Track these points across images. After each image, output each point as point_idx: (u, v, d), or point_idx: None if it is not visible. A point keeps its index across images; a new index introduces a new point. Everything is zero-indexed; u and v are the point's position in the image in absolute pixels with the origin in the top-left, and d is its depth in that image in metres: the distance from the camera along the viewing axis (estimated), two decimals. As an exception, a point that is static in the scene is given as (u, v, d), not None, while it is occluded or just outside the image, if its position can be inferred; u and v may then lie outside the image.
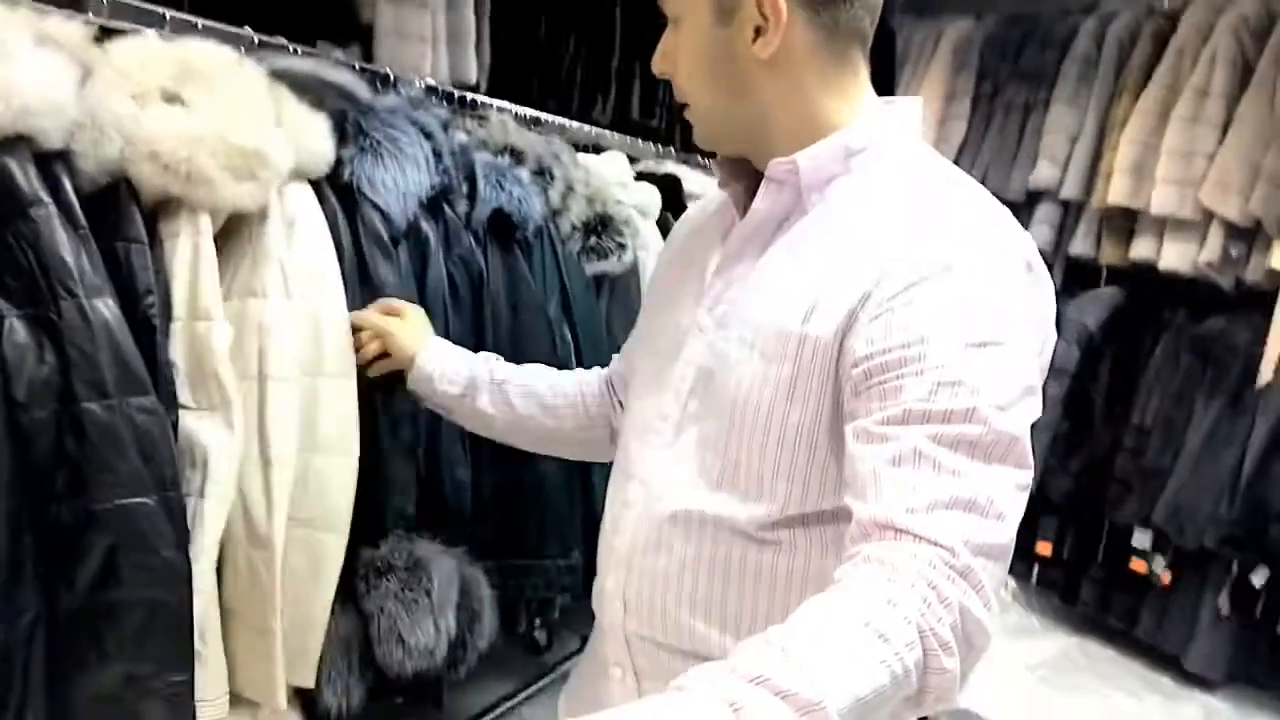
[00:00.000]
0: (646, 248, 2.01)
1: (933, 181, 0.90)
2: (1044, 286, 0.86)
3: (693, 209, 1.15)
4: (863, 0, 0.90)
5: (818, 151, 0.89)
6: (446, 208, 1.48)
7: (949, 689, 0.69)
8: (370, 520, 1.37)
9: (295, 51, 1.53)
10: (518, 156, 1.64)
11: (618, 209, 1.89)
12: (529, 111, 2.15)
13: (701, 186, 2.42)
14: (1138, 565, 3.26)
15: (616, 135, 2.48)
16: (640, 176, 2.28)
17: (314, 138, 1.24)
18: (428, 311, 1.43)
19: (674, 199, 2.28)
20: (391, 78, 1.62)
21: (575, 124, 2.29)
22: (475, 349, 1.44)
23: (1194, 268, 3.17)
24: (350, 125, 1.33)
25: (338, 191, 1.31)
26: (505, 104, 2.05)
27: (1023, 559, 3.58)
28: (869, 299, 0.82)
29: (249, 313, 1.17)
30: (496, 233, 1.55)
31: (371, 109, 1.36)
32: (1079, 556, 3.47)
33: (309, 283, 1.23)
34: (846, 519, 0.79)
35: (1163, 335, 3.29)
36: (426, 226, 1.42)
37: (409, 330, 1.32)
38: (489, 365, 1.30)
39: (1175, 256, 3.22)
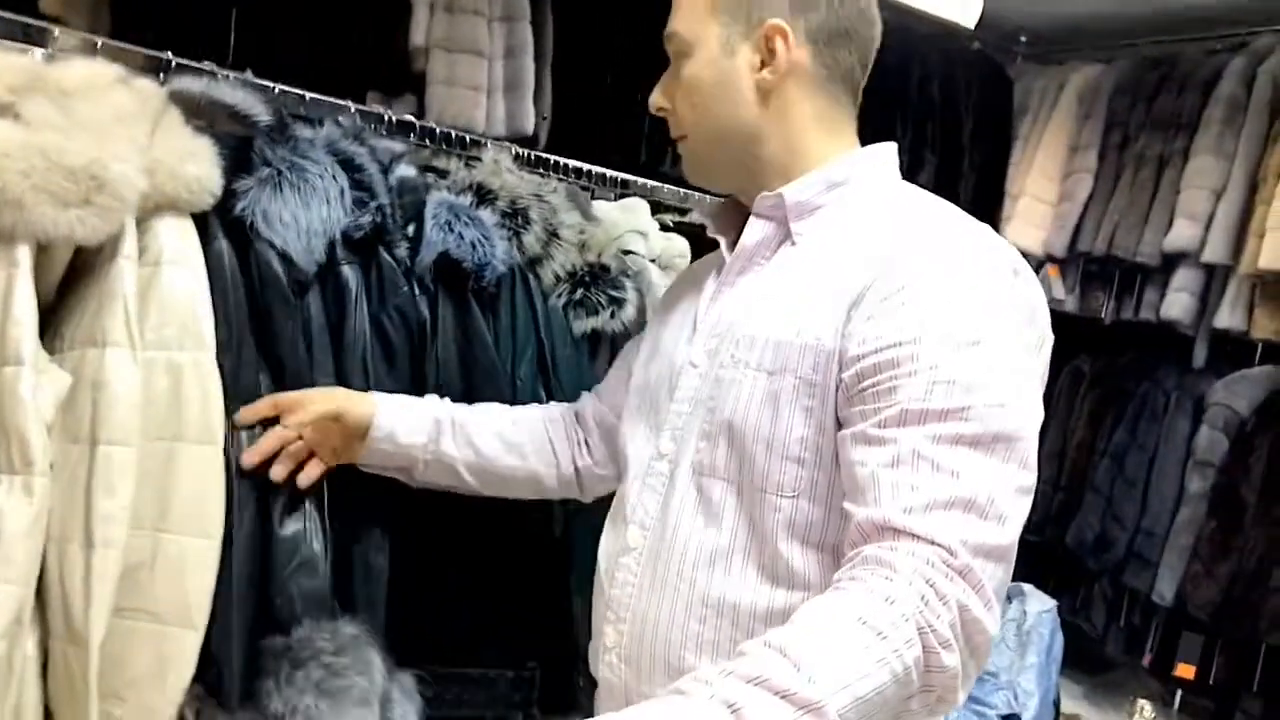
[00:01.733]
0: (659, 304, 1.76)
1: (914, 202, 0.95)
2: (1033, 288, 0.87)
3: (696, 265, 1.20)
4: (859, 50, 0.97)
5: (801, 184, 0.95)
6: (382, 252, 1.28)
7: (951, 687, 0.70)
8: (274, 605, 1.17)
9: (348, 108, 1.44)
10: (485, 196, 1.43)
11: (622, 260, 1.66)
12: (591, 167, 1.98)
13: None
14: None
15: (669, 187, 2.27)
16: (679, 228, 2.05)
17: (192, 163, 1.07)
18: (346, 370, 1.24)
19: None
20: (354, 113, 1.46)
21: (636, 179, 2.10)
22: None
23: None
24: (255, 154, 1.16)
25: (229, 228, 1.14)
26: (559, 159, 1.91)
27: (1162, 683, 3.06)
28: (861, 302, 0.85)
29: (86, 364, 0.99)
30: (447, 282, 1.34)
31: (283, 137, 1.19)
32: (1231, 683, 2.91)
33: (174, 332, 1.05)
34: None
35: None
36: (348, 272, 1.23)
37: (348, 399, 1.20)
38: (445, 406, 1.26)
39: (1344, 327, 2.71)
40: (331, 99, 1.50)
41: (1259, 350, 3.03)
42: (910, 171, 3.79)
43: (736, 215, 1.04)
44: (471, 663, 1.34)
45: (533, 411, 1.30)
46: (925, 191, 0.96)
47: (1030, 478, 0.78)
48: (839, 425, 0.85)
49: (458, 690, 1.32)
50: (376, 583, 1.23)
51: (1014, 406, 0.78)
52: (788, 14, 0.93)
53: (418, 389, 1.30)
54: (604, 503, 1.45)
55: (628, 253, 1.75)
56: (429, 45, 2.55)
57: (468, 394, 1.34)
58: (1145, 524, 3.05)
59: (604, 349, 1.64)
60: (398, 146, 1.36)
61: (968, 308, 0.81)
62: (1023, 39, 3.76)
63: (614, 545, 1.01)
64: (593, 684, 1.06)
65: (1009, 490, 0.75)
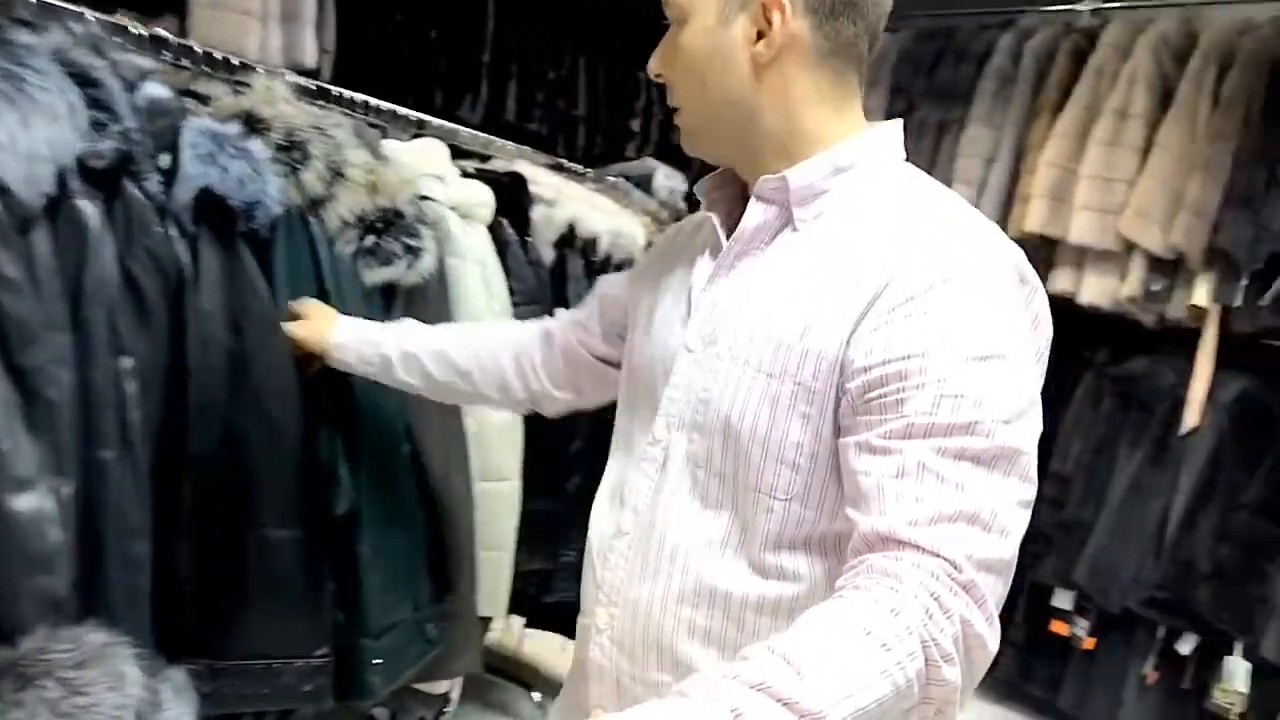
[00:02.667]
0: (463, 255, 1.64)
1: (923, 197, 0.91)
2: (1038, 296, 0.87)
3: (670, 229, 1.17)
4: (865, 22, 0.91)
5: (807, 169, 0.91)
6: (129, 184, 1.09)
7: (950, 700, 0.70)
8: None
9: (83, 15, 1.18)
10: (256, 126, 1.26)
11: (418, 206, 1.52)
12: (384, 104, 1.81)
13: (557, 191, 2.06)
14: (1059, 628, 2.98)
15: (470, 132, 2.12)
16: (480, 176, 1.92)
17: None
18: (88, 323, 1.05)
19: (517, 201, 1.93)
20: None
21: (434, 119, 1.94)
22: (172, 374, 1.08)
23: (1115, 303, 2.90)
24: (-44, 59, 0.94)
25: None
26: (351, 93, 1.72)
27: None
28: (869, 312, 0.82)
29: None
30: (211, 222, 1.17)
31: (-6, 40, 0.97)
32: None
33: None
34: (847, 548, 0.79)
35: (1084, 376, 3.02)
36: (86, 207, 1.04)
37: (312, 327, 1.30)
38: (399, 339, 1.31)
39: (1096, 291, 2.95)
40: (65, 4, 1.26)
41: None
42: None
43: (732, 188, 1.01)
44: (253, 653, 1.18)
45: (494, 335, 1.32)
46: (931, 179, 0.93)
47: (1031, 491, 0.78)
48: (838, 432, 0.84)
49: (238, 684, 1.17)
50: (137, 572, 1.05)
51: (1018, 422, 0.78)
52: None
53: (175, 345, 1.12)
54: (392, 485, 1.36)
55: (424, 199, 1.62)
56: (193, -40, 2.28)
57: (236, 350, 1.18)
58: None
59: (399, 303, 1.50)
60: (146, 63, 1.16)
61: (977, 321, 0.80)
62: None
63: (608, 526, 1.00)
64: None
65: (1011, 504, 0.76)
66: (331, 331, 1.30)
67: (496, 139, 2.22)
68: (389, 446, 1.43)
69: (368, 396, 1.38)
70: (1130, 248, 2.87)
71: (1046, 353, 0.88)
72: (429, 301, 1.53)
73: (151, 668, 1.06)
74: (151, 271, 1.10)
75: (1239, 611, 2.65)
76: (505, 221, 1.83)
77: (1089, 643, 2.90)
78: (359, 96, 1.87)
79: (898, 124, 0.96)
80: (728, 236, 0.96)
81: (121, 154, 1.06)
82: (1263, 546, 2.66)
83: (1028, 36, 3.28)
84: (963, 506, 0.73)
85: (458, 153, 2.03)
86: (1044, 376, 0.86)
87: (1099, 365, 3.01)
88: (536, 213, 1.94)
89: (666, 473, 0.94)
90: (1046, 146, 3.04)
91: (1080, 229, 2.91)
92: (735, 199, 1.00)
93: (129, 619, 1.03)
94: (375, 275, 1.38)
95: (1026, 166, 3.13)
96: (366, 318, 1.38)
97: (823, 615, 0.69)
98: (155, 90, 1.14)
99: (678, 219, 2.61)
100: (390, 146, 1.65)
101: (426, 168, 1.63)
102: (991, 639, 0.72)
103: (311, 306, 1.33)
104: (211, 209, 1.16)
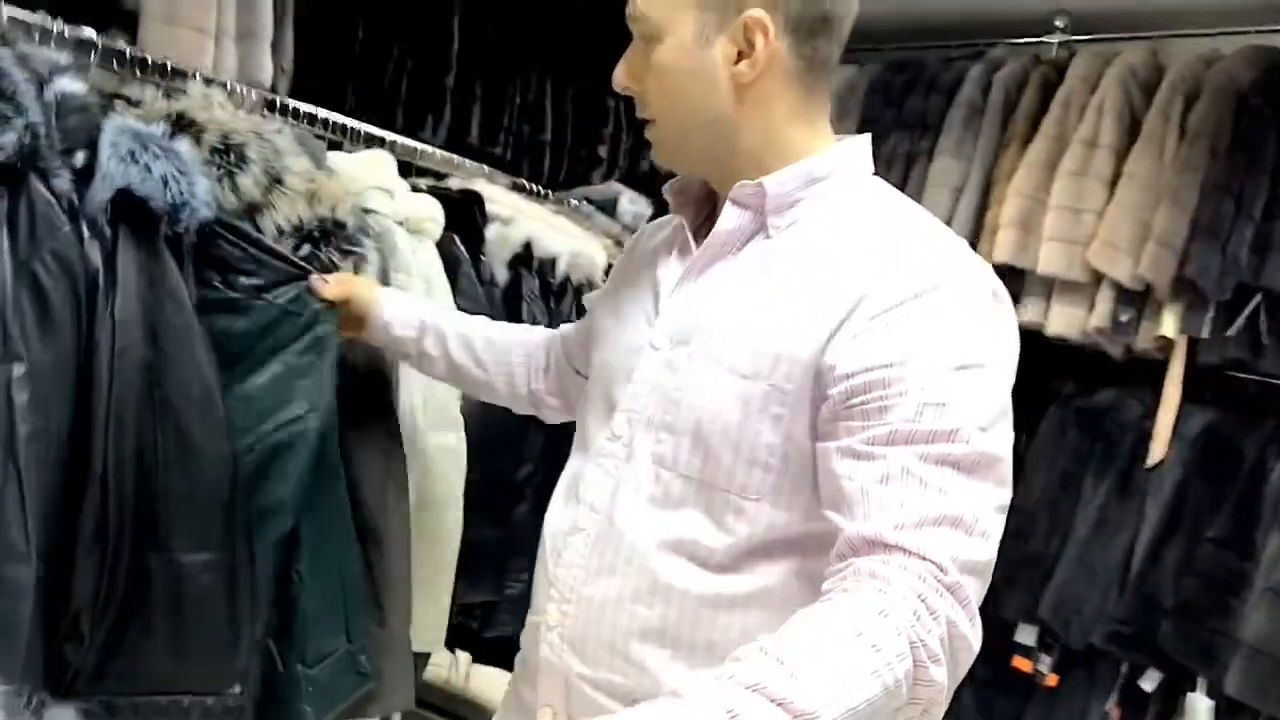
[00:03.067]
0: (408, 270, 1.58)
1: (898, 210, 0.94)
2: (1009, 312, 0.90)
3: (642, 233, 1.17)
4: (837, 36, 0.94)
5: (783, 176, 0.93)
6: (35, 182, 1.02)
7: (937, 700, 0.72)
8: None
9: None
10: (186, 127, 1.19)
11: (361, 217, 1.46)
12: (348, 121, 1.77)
13: (514, 209, 2.01)
14: (1021, 664, 2.92)
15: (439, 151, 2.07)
16: (433, 193, 1.86)
17: None
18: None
19: (470, 218, 1.87)
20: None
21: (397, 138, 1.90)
22: (79, 384, 1.02)
23: (1083, 334, 2.88)
24: None
25: None
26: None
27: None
28: (848, 320, 0.84)
29: None
30: (132, 225, 1.10)
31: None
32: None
33: None
34: (815, 545, 0.83)
35: (1050, 408, 2.99)
36: (-16, 204, 0.97)
37: (358, 288, 1.36)
38: (434, 312, 1.42)
39: (1063, 322, 2.93)
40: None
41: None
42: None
43: (698, 191, 1.03)
44: (158, 688, 1.10)
45: (511, 333, 1.41)
46: (899, 193, 0.97)
47: (1007, 495, 0.81)
48: (812, 434, 0.86)
49: (141, 722, 1.08)
50: (16, 599, 0.97)
51: (995, 429, 0.81)
52: (768, 4, 0.89)
53: (83, 353, 1.05)
54: (330, 508, 1.29)
55: (369, 211, 1.56)
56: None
57: (155, 363, 1.11)
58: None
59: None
60: (62, 58, 1.09)
61: (957, 331, 0.82)
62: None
63: (563, 523, 1.00)
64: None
65: (990, 508, 0.78)
66: (376, 296, 1.35)
67: (459, 158, 2.17)
68: (326, 470, 1.36)
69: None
70: (1098, 278, 2.85)
71: (1015, 367, 0.90)
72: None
73: (35, 704, 0.98)
74: (57, 274, 1.03)
75: (1203, 647, 2.61)
76: (456, 238, 1.77)
77: (1052, 679, 2.85)
78: (320, 112, 1.83)
79: (866, 138, 0.99)
80: (695, 240, 0.98)
81: (25, 149, 1.00)
82: (1226, 580, 2.62)
83: (996, 68, 3.28)
84: (946, 511, 0.75)
85: (419, 171, 1.99)
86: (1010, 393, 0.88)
87: (1065, 396, 2.98)
88: (491, 231, 1.89)
89: (628, 471, 0.94)
90: (1015, 177, 3.03)
91: (1048, 259, 2.89)
92: (701, 202, 1.02)
93: (6, 650, 0.95)
94: (313, 288, 1.31)
95: (995, 197, 3.11)
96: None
97: (813, 617, 0.71)
98: (69, 85, 1.07)
99: (641, 241, 2.55)
100: (336, 158, 1.59)
101: (372, 180, 1.58)
102: (975, 639, 0.74)
103: (345, 275, 1.36)
104: (131, 211, 1.09)
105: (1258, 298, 2.68)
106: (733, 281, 0.93)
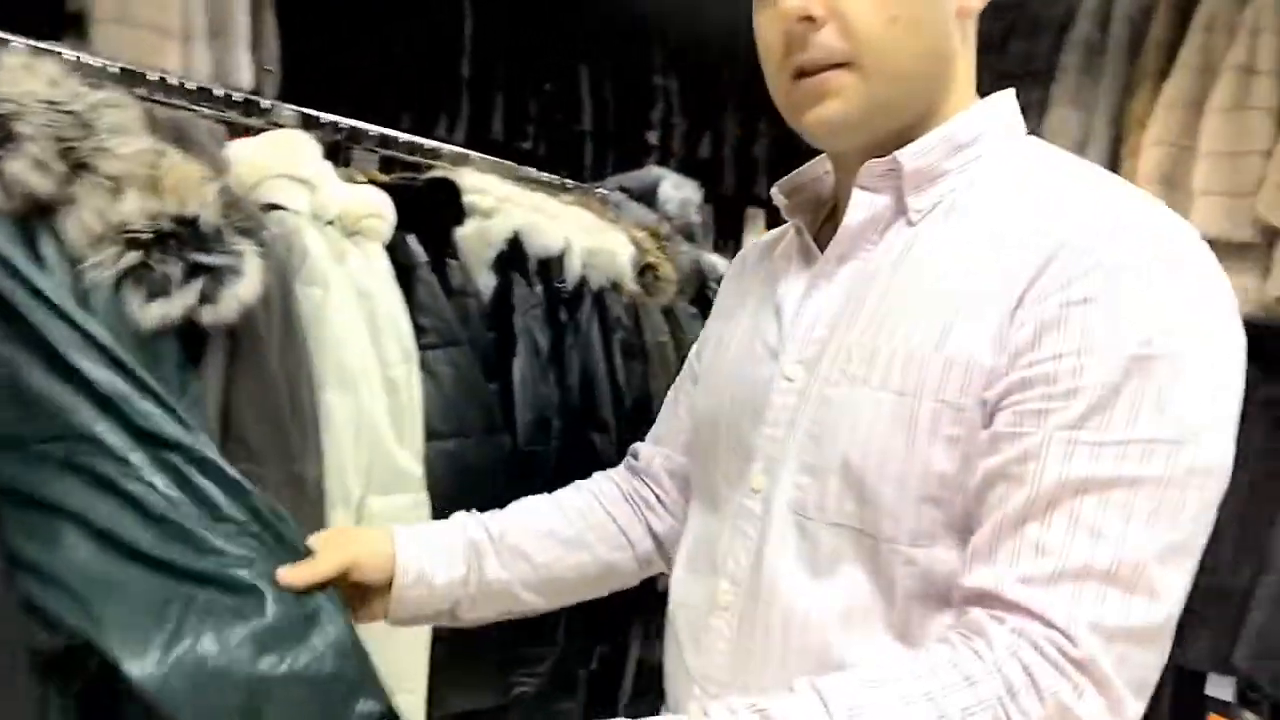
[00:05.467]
0: (326, 284, 1.20)
1: (1071, 170, 0.77)
2: (1227, 290, 0.72)
3: (750, 251, 1.02)
4: None
5: (923, 146, 0.78)
6: None
7: None
8: None
9: None
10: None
11: (251, 214, 1.08)
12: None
13: (499, 200, 1.61)
14: (1219, 724, 2.35)
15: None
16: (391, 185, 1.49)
17: None
18: None
19: (438, 214, 1.49)
20: None
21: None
22: None
23: (1260, 307, 2.35)
24: None
25: None
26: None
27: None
28: (1020, 305, 0.69)
29: None
30: None
31: None
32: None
33: None
34: None
35: (1225, 402, 2.42)
36: None
37: (357, 540, 0.94)
38: (475, 520, 1.00)
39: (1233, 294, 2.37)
40: None
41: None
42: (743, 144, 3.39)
43: (811, 193, 0.89)
44: None
45: (579, 491, 1.07)
46: (1072, 155, 0.80)
47: (1203, 532, 0.67)
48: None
49: None
50: None
51: (1196, 445, 0.66)
52: None
53: None
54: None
55: (273, 207, 1.18)
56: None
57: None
58: None
59: (212, 358, 1.06)
60: None
61: (1156, 317, 0.66)
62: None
63: (698, 600, 0.86)
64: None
65: (1170, 551, 0.64)
66: (383, 539, 0.94)
67: (474, 153, 1.81)
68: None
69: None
70: (1273, 235, 2.33)
71: (1242, 359, 0.72)
72: (265, 353, 1.08)
73: None
74: None
75: None
76: (412, 239, 1.39)
77: (1263, 741, 2.28)
78: (310, 113, 1.58)
79: (1010, 94, 0.83)
80: (819, 245, 0.85)
81: None
82: None
83: (1116, -4, 2.76)
84: (1094, 560, 0.63)
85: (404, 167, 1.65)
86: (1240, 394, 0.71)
87: (1247, 388, 2.39)
88: (466, 227, 1.49)
89: (768, 532, 0.79)
90: (1151, 122, 2.56)
91: (1205, 218, 2.38)
92: (817, 205, 0.89)
93: None
94: (147, 313, 0.94)
95: (1128, 150, 2.64)
96: (154, 378, 0.93)
97: (891, 664, 0.67)
98: None
99: (688, 233, 2.12)
100: (236, 145, 1.23)
101: (280, 167, 1.21)
102: (1109, 716, 0.62)
103: (332, 533, 0.97)
104: None
105: None
106: (873, 283, 0.78)
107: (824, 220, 0.89)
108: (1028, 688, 0.61)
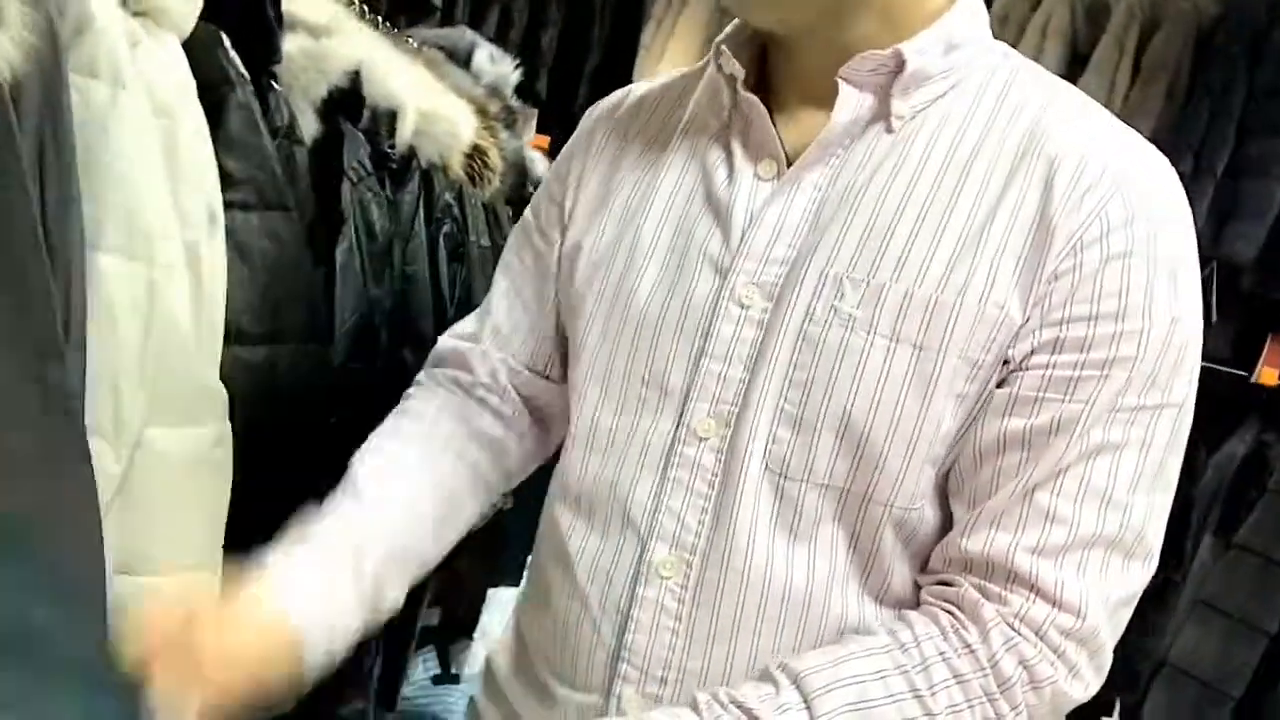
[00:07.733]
0: (113, 79, 0.73)
1: (1065, 92, 0.71)
2: None
3: (596, 113, 0.87)
4: None
5: (923, 43, 0.68)
6: None
7: None
8: None
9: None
10: None
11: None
12: None
13: (334, 20, 1.16)
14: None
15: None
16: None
17: None
18: None
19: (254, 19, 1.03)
20: None
21: None
22: None
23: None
24: None
25: None
26: None
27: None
28: (1048, 249, 0.64)
29: None
30: None
31: None
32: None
33: None
34: None
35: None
36: None
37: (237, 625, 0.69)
38: (349, 555, 0.75)
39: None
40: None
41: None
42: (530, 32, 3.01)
43: (751, 48, 0.74)
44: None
45: (431, 448, 0.83)
46: (1048, 71, 0.72)
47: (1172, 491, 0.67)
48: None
49: None
50: None
51: (1190, 401, 0.66)
52: None
53: None
54: None
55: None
56: None
57: None
58: None
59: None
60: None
61: (1182, 269, 0.65)
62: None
63: (608, 562, 0.73)
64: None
65: (1163, 514, 0.66)
66: (265, 605, 0.69)
67: None
68: None
69: None
70: None
71: None
72: (9, 169, 0.62)
73: None
74: None
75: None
76: (227, 40, 0.93)
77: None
78: None
79: None
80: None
81: None
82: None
83: None
84: (1107, 529, 0.63)
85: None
86: None
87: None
88: (293, 43, 1.04)
89: (731, 487, 0.69)
90: None
91: None
92: (753, 58, 0.74)
93: None
94: None
95: None
96: None
97: (871, 646, 0.64)
98: None
99: (508, 118, 1.76)
100: None
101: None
102: (1096, 683, 0.64)
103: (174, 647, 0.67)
104: None
105: (1210, 268, 2.33)
106: (854, 201, 0.68)
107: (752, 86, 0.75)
108: (1023, 682, 0.62)
